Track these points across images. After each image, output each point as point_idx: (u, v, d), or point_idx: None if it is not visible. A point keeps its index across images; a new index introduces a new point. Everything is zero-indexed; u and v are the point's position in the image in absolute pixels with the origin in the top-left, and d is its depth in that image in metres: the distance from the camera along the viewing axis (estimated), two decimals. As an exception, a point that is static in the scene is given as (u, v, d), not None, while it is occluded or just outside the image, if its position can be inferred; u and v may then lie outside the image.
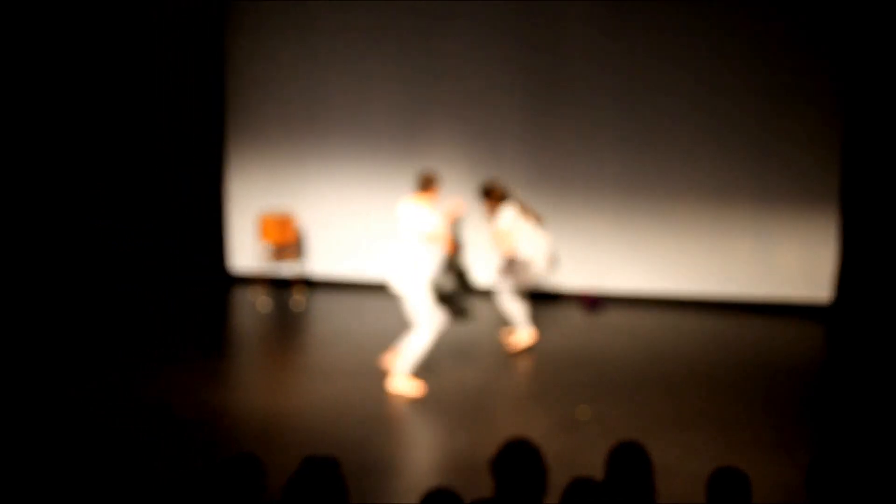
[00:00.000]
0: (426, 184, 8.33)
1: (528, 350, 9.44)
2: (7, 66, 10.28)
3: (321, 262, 11.61)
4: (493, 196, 9.28)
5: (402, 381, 8.24)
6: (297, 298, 11.02)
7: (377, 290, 11.09)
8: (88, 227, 10.95)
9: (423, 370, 8.72)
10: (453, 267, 8.41)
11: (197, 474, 4.36)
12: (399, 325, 10.04)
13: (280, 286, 11.39)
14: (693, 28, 10.67)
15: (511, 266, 9.36)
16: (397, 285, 8.29)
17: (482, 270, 10.24)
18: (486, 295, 10.25)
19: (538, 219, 9.43)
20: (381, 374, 8.69)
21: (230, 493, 4.04)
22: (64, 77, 10.68)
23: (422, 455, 7.20)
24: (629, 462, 4.42)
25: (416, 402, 8.08)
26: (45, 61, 10.52)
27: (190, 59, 11.14)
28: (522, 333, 9.47)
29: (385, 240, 11.14)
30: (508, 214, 9.22)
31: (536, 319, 10.14)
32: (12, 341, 9.13)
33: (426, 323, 8.21)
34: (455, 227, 8.47)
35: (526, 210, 9.37)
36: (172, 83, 11.14)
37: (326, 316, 10.68)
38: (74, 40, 10.66)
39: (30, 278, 10.40)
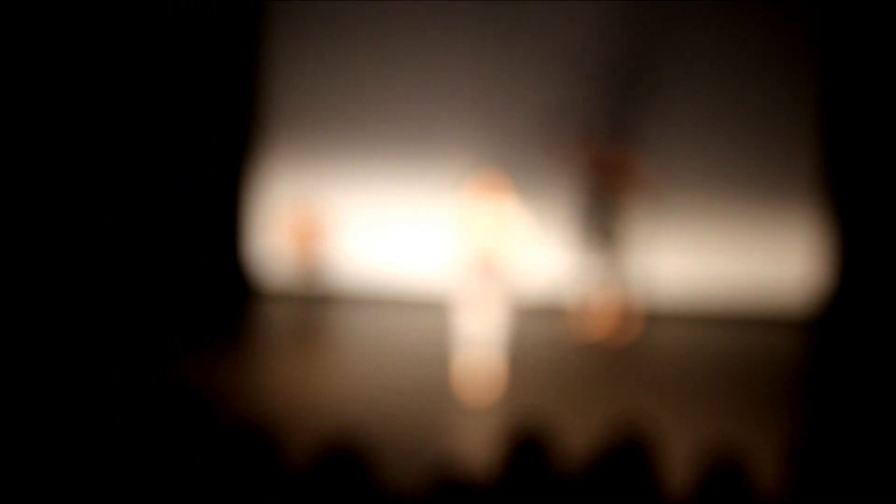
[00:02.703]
0: (496, 180, 7.90)
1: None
2: (38, 61, 10.33)
3: (349, 264, 11.28)
4: None
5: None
6: (323, 299, 10.92)
7: (409, 301, 10.97)
8: (105, 228, 10.78)
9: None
10: None
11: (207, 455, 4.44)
12: (422, 323, 10.18)
13: (308, 294, 11.12)
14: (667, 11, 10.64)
15: None
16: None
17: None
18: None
19: None
20: (406, 370, 8.78)
21: (246, 469, 4.12)
22: (83, 74, 10.58)
23: (443, 446, 7.32)
24: (628, 449, 4.43)
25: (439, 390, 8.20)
26: (66, 60, 10.50)
27: (219, 61, 11.00)
28: None
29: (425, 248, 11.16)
30: None
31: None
32: (26, 342, 9.06)
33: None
34: None
35: None
36: (197, 82, 10.96)
37: (354, 327, 10.65)
38: (96, 33, 10.55)
39: (54, 279, 10.41)
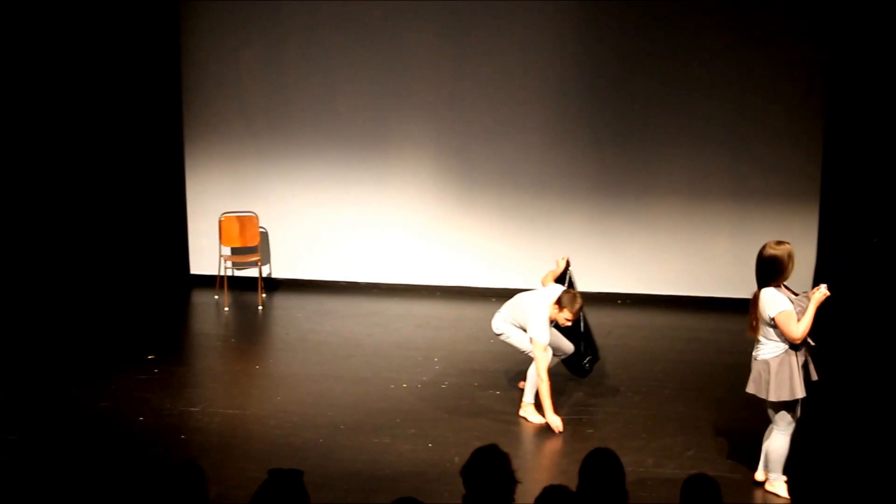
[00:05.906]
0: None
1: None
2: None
3: (283, 263, 11.44)
4: None
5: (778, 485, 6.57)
6: (259, 301, 10.80)
7: (339, 290, 11.19)
8: (42, 229, 10.68)
9: (403, 372, 8.55)
10: None
11: (138, 484, 4.30)
12: (362, 328, 9.96)
13: (241, 288, 11.17)
14: (668, 20, 10.50)
15: None
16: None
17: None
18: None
19: None
20: (343, 378, 8.48)
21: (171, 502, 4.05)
22: (14, 76, 10.38)
23: (388, 463, 6.95)
24: (602, 470, 4.38)
25: (391, 409, 7.84)
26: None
27: (143, 58, 10.90)
28: None
29: (349, 240, 11.22)
30: None
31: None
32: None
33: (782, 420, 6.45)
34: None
35: None
36: (125, 83, 10.88)
37: (288, 318, 10.47)
38: (22, 35, 10.35)
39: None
